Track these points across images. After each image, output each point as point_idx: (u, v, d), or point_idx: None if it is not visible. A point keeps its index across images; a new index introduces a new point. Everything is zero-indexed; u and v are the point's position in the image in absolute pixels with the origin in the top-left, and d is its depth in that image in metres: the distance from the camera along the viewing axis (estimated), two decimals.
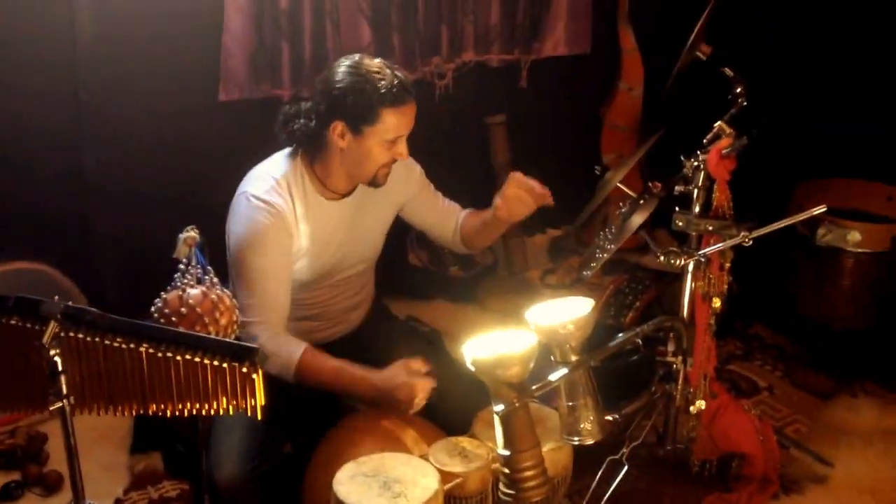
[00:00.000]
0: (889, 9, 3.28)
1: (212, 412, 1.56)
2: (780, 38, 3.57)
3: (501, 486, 1.92)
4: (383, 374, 2.16)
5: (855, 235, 3.05)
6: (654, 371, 2.45)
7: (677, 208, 2.36)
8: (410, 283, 3.52)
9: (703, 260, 2.32)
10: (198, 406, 1.56)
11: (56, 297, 1.58)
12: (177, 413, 1.58)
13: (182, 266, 1.82)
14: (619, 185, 2.46)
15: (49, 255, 2.87)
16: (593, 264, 2.37)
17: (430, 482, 1.89)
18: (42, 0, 2.73)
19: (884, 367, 3.10)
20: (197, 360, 1.53)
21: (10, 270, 2.80)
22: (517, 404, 1.87)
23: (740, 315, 3.36)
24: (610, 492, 2.26)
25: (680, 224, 2.35)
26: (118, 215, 3.01)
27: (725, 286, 2.36)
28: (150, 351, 1.55)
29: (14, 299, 1.59)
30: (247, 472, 2.08)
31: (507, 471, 1.89)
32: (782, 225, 2.22)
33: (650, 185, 2.38)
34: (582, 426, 2.01)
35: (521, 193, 2.31)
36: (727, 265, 2.34)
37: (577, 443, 2.04)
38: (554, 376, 1.97)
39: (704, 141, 2.35)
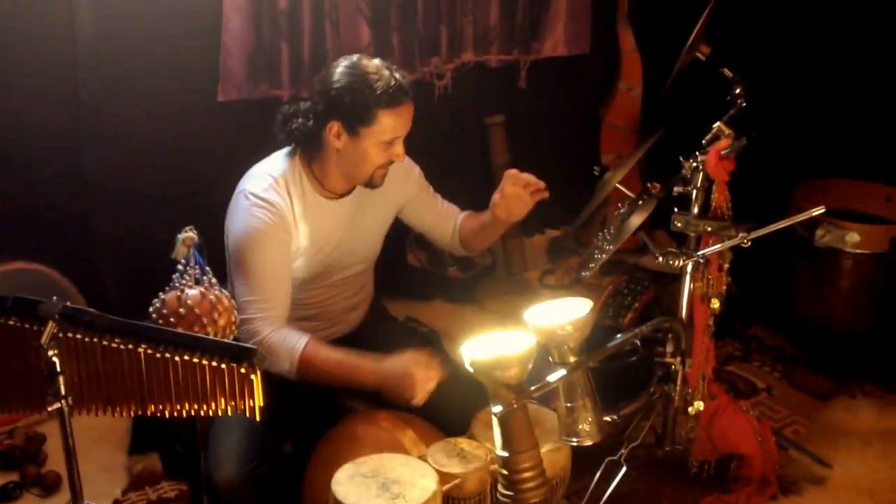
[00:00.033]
0: (889, 9, 3.28)
1: (210, 413, 1.56)
2: (779, 38, 3.57)
3: (500, 487, 1.92)
4: (390, 361, 2.15)
5: (853, 236, 3.05)
6: (652, 372, 2.45)
7: (676, 209, 2.36)
8: (409, 283, 3.52)
9: (701, 261, 2.32)
10: (196, 407, 1.56)
11: (54, 298, 1.58)
12: (175, 414, 1.58)
13: (180, 266, 1.82)
14: (618, 185, 2.46)
15: (48, 256, 2.86)
16: (592, 265, 2.36)
17: (428, 483, 1.89)
18: (42, 0, 2.72)
19: (882, 369, 3.10)
20: (195, 360, 1.53)
21: (9, 270, 2.80)
22: (516, 405, 1.87)
23: (739, 316, 3.36)
24: (608, 493, 2.25)
25: (679, 225, 2.35)
26: (118, 215, 3.00)
27: (724, 287, 2.36)
28: (149, 351, 1.55)
29: (12, 299, 1.59)
30: (245, 472, 2.08)
31: (505, 472, 1.89)
32: (781, 226, 2.22)
33: (649, 185, 2.38)
34: (580, 427, 2.01)
35: (519, 191, 2.30)
36: (726, 266, 2.34)
37: (575, 444, 2.04)
38: (552, 377, 1.97)
39: (703, 142, 2.35)
